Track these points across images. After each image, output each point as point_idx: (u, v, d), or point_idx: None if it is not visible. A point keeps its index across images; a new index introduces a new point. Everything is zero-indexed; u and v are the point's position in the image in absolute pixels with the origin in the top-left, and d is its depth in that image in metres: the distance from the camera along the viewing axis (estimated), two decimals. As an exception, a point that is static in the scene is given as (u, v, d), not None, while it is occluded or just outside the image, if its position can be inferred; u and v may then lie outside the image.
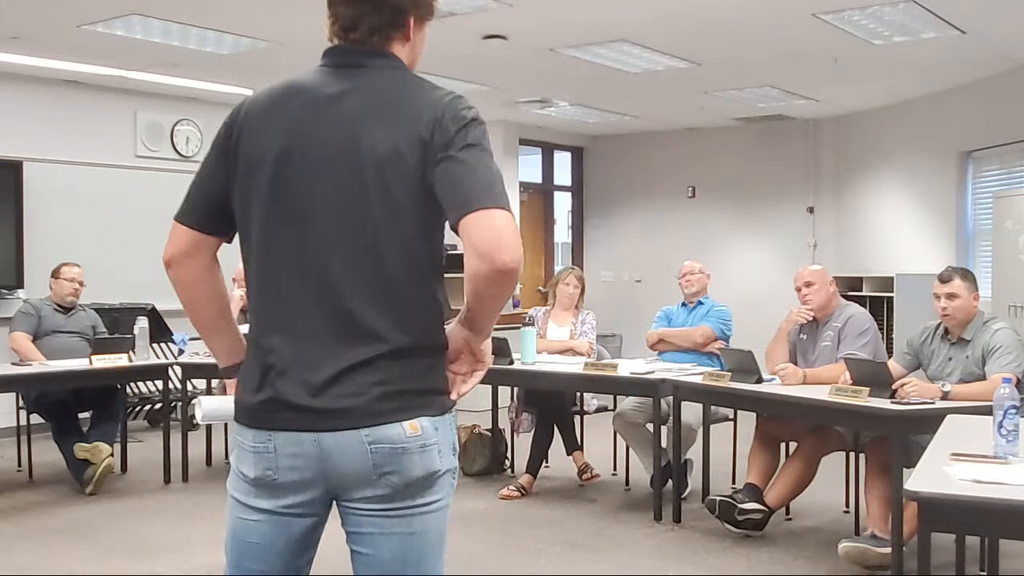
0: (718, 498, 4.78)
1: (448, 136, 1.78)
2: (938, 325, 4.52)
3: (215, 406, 2.06)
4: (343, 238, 1.82)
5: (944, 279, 4.43)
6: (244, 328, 1.99)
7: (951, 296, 4.38)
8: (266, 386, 1.85)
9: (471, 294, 1.81)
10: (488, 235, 1.72)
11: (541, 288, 10.56)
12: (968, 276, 4.45)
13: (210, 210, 1.94)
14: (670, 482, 5.23)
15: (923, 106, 8.65)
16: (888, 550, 4.16)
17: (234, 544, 1.94)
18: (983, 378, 4.20)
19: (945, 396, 4.10)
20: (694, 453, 5.48)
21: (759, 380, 4.79)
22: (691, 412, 5.24)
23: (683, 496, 5.30)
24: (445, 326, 1.92)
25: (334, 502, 1.91)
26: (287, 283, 1.85)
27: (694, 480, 5.60)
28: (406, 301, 1.83)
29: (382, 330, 1.81)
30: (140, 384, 7.61)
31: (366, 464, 1.81)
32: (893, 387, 4.15)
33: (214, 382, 6.34)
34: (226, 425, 3.12)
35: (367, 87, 1.87)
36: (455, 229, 1.78)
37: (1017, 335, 4.35)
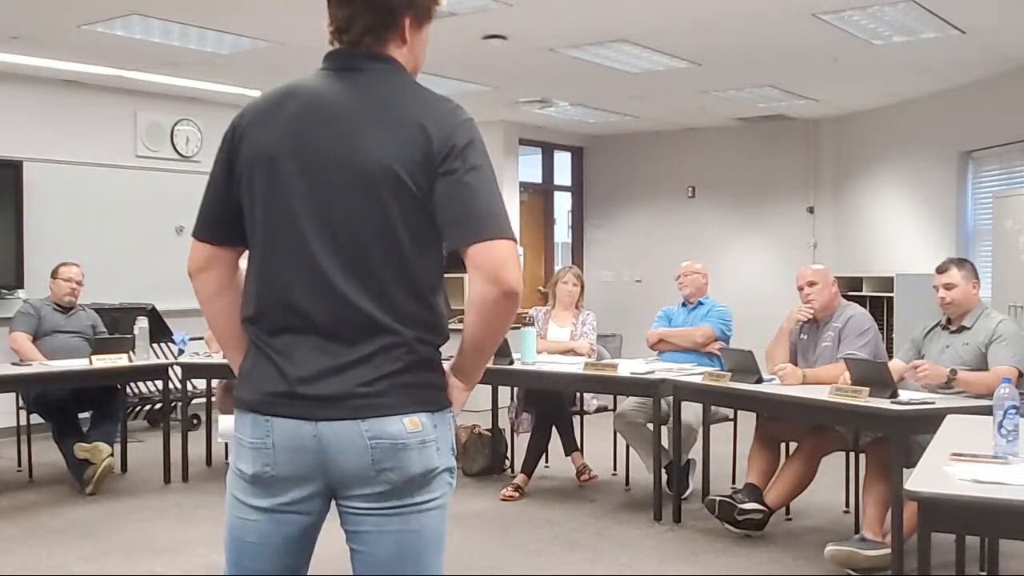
0: (718, 498, 4.78)
1: (450, 155, 1.81)
2: (939, 321, 4.56)
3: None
4: (338, 240, 1.84)
5: (940, 270, 4.54)
6: None
7: (948, 286, 4.47)
8: (267, 379, 1.87)
9: (475, 323, 1.85)
10: (495, 263, 1.79)
11: (541, 288, 10.55)
12: (965, 265, 4.54)
13: (221, 222, 1.96)
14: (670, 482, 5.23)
15: (923, 106, 8.65)
16: (877, 552, 4.19)
17: (232, 543, 1.94)
18: (983, 366, 4.26)
19: (951, 381, 4.15)
20: (694, 453, 5.48)
21: (759, 380, 4.79)
22: (691, 412, 5.24)
23: (683, 496, 5.30)
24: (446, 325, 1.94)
25: (332, 502, 1.91)
26: (287, 282, 1.87)
27: (694, 480, 5.60)
28: (402, 302, 1.84)
29: (380, 328, 1.83)
30: (140, 384, 7.61)
31: (366, 460, 1.82)
32: (910, 364, 4.28)
33: (214, 382, 6.35)
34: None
35: (365, 92, 1.87)
36: (457, 253, 1.83)
37: (1019, 327, 4.39)
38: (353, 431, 1.81)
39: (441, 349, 1.93)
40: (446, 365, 1.95)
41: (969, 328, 4.40)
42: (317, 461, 1.84)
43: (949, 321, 4.51)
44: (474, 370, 1.95)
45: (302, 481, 1.86)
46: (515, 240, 1.84)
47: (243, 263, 2.00)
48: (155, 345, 7.11)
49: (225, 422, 2.14)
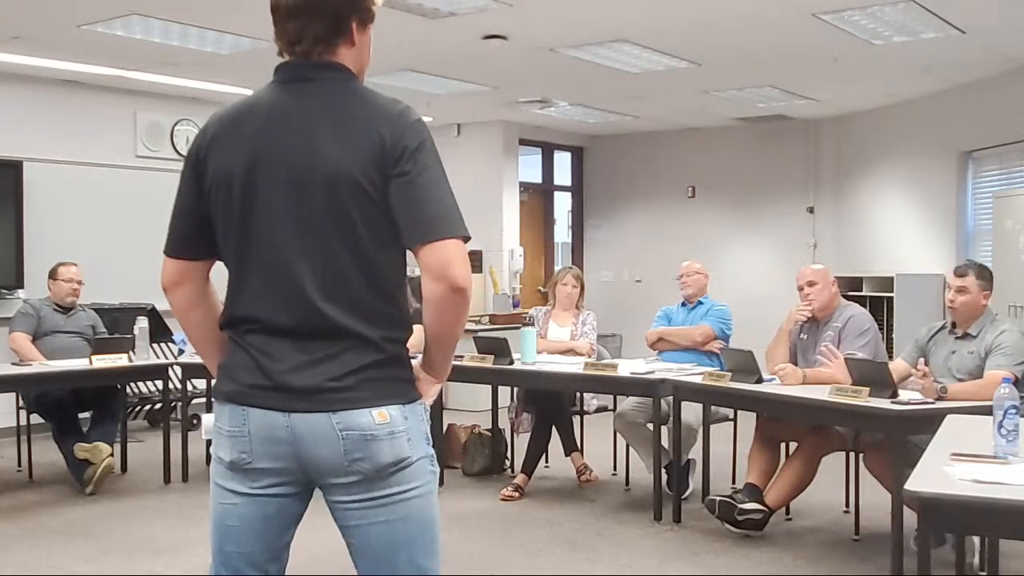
0: (718, 498, 4.78)
1: (402, 157, 1.89)
2: (944, 324, 4.55)
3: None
4: (306, 247, 1.92)
5: (958, 273, 4.49)
6: None
7: (961, 290, 4.42)
8: (244, 372, 1.96)
9: (431, 320, 1.96)
10: (442, 262, 1.89)
11: (541, 288, 10.55)
12: (984, 274, 4.49)
13: (191, 237, 2.04)
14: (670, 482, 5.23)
15: (923, 106, 8.65)
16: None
17: (216, 529, 2.02)
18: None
19: (942, 396, 4.10)
20: (694, 453, 5.48)
21: (759, 380, 4.79)
22: (691, 412, 5.24)
23: (683, 496, 5.30)
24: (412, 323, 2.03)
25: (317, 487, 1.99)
26: (261, 288, 1.96)
27: (694, 480, 5.60)
28: (370, 303, 1.94)
29: (348, 327, 1.92)
30: (140, 384, 7.61)
31: (338, 450, 1.90)
32: (899, 382, 4.18)
33: (214, 383, 6.35)
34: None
35: (322, 102, 1.95)
36: (411, 250, 1.93)
37: (1022, 336, 4.35)
38: (325, 423, 1.90)
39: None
40: (415, 363, 2.04)
41: (975, 336, 4.37)
42: (292, 452, 1.92)
43: (955, 325, 4.49)
44: (440, 364, 2.05)
45: (279, 471, 1.95)
46: (465, 237, 1.92)
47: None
48: (155, 345, 7.10)
49: (207, 420, 2.21)
